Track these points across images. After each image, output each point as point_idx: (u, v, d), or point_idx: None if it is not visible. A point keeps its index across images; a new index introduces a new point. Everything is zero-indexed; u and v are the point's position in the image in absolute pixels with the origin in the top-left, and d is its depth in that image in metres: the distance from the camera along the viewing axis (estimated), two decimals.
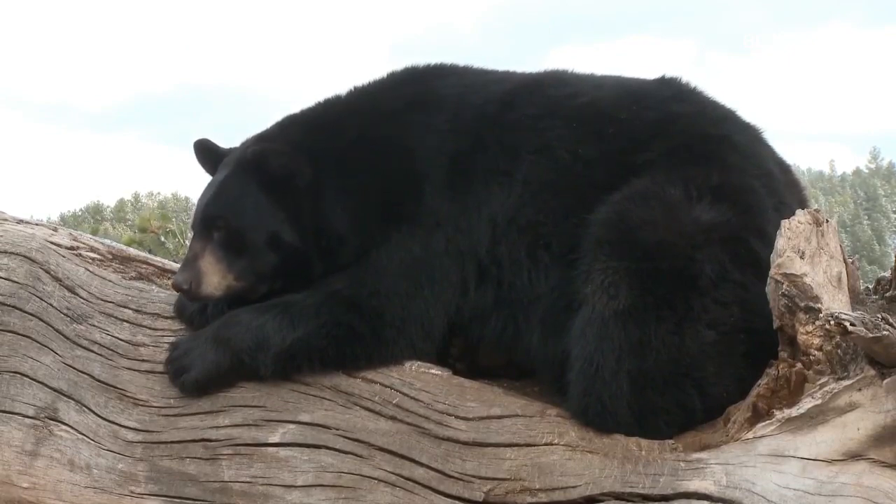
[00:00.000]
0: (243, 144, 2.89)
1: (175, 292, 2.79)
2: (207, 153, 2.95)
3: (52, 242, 3.01)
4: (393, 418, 2.52)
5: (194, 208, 2.88)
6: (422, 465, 2.45)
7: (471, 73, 2.94)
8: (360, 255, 2.69)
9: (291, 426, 2.57)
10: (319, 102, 2.97)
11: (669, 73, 2.81)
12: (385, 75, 3.00)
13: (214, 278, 2.68)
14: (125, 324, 2.84)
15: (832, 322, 2.11)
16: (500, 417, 2.47)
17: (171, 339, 2.76)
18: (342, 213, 2.73)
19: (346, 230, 2.72)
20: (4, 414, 2.78)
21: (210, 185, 2.82)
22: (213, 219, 2.73)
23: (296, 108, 2.97)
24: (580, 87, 2.78)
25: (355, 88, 2.96)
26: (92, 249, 3.08)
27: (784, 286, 2.21)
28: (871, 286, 2.63)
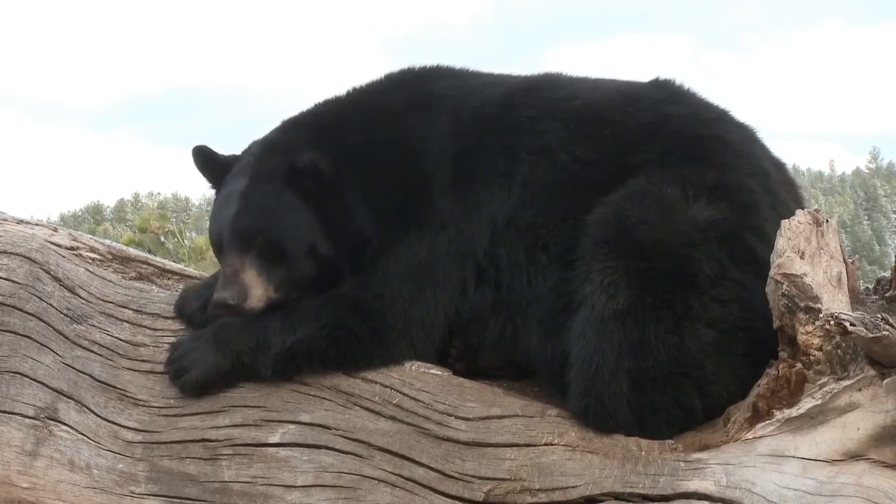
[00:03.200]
0: (247, 152, 2.83)
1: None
2: (207, 161, 2.89)
3: (52, 242, 3.00)
4: (393, 418, 2.52)
5: (213, 220, 2.78)
6: (422, 465, 2.45)
7: (466, 76, 2.94)
8: (377, 256, 2.67)
9: (291, 426, 2.57)
10: (319, 104, 2.94)
11: (664, 75, 2.83)
12: (382, 77, 2.99)
13: (258, 291, 2.63)
14: (125, 324, 2.84)
15: (832, 322, 2.11)
16: (500, 417, 2.47)
17: (171, 340, 2.76)
18: (367, 213, 2.70)
19: (370, 231, 2.70)
20: (4, 414, 2.78)
21: (232, 196, 2.71)
22: (251, 232, 2.66)
23: (292, 103, 2.94)
24: (576, 90, 2.78)
25: (354, 90, 2.95)
26: (92, 250, 3.08)
27: (784, 286, 2.21)
28: (871, 286, 2.64)
